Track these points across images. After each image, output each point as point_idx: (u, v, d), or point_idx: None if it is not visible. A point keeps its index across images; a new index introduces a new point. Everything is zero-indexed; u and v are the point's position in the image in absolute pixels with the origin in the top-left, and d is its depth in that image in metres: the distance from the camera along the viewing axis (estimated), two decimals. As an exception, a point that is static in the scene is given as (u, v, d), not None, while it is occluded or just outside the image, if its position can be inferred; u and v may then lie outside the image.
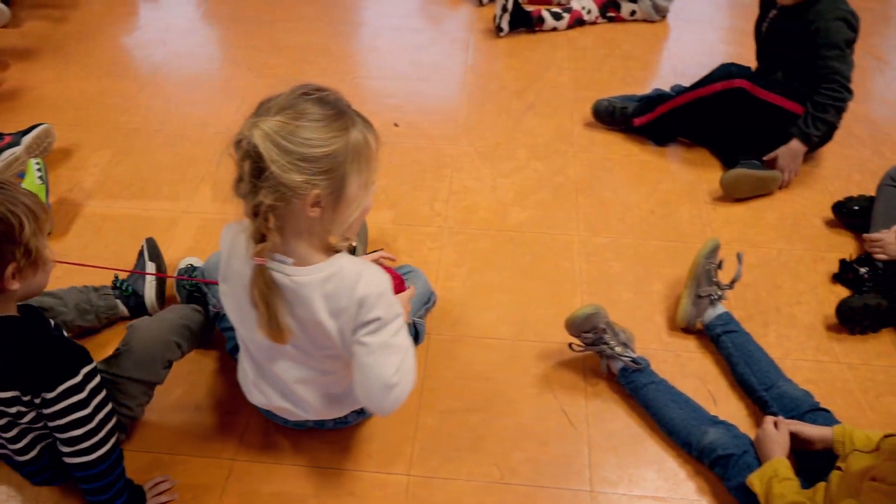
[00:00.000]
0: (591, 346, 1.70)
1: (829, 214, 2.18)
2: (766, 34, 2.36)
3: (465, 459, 1.59)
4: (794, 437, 1.50)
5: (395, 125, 2.52)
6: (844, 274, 1.98)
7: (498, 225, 2.15)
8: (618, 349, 1.68)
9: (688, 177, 2.33)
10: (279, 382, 1.44)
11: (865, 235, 1.98)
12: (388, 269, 1.56)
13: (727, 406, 1.70)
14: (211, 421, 1.64)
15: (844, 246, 2.10)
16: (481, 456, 1.60)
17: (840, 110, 2.19)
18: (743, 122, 2.30)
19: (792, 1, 2.20)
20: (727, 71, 2.25)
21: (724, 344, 1.76)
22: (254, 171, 1.15)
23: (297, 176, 1.15)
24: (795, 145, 2.22)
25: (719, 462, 1.52)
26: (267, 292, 1.24)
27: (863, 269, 1.94)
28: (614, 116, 2.46)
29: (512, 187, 2.28)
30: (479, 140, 2.47)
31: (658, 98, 2.39)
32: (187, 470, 1.55)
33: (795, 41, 2.22)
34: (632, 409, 1.69)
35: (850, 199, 2.14)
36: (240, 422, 1.64)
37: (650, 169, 2.37)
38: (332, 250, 1.30)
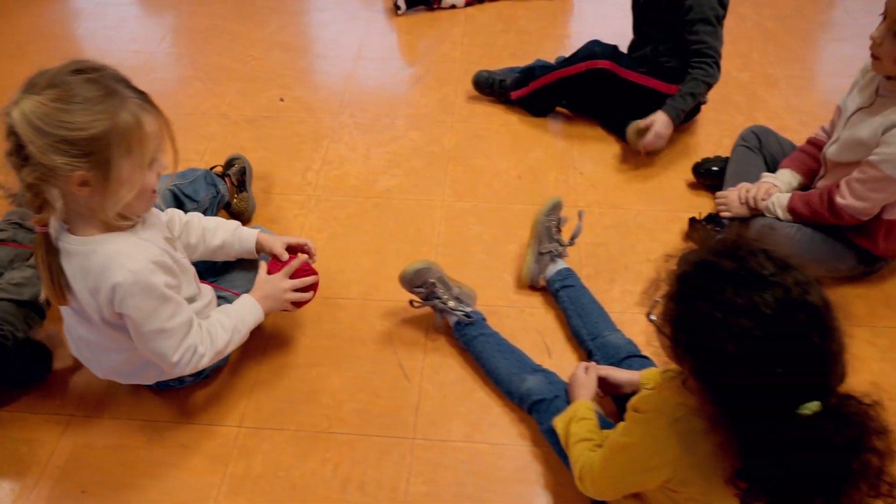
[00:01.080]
0: (426, 300, 1.75)
1: (692, 177, 2.24)
2: (643, 5, 2.40)
3: (298, 411, 1.65)
4: (605, 382, 1.55)
5: (281, 100, 2.56)
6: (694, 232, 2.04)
7: (365, 192, 2.20)
8: (451, 303, 1.73)
9: (560, 145, 2.38)
10: (74, 339, 1.50)
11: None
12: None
13: (561, 357, 1.76)
14: (53, 379, 1.69)
15: (702, 206, 2.15)
16: (314, 408, 1.65)
17: (709, 87, 2.23)
18: (611, 99, 2.35)
19: None
20: (591, 51, 2.29)
21: (562, 298, 1.82)
22: (15, 149, 1.16)
23: (57, 158, 1.15)
24: (662, 118, 2.18)
25: (535, 407, 1.57)
26: (46, 258, 1.28)
27: (709, 227, 2.00)
28: (493, 88, 2.51)
29: (385, 156, 2.33)
30: (360, 112, 2.52)
31: (532, 72, 2.43)
32: (23, 426, 1.60)
33: (669, 15, 2.25)
34: (466, 363, 1.74)
35: (707, 160, 2.20)
36: (81, 381, 1.69)
37: (525, 138, 2.41)
38: (111, 227, 1.31)
